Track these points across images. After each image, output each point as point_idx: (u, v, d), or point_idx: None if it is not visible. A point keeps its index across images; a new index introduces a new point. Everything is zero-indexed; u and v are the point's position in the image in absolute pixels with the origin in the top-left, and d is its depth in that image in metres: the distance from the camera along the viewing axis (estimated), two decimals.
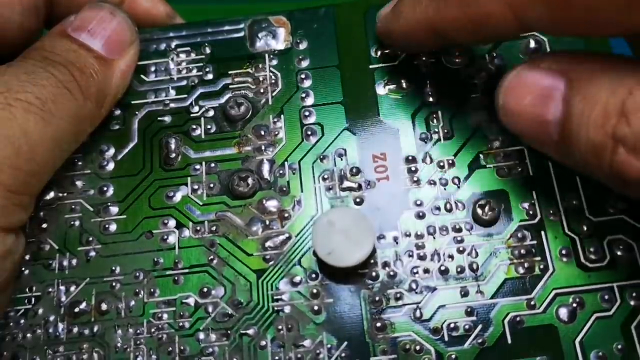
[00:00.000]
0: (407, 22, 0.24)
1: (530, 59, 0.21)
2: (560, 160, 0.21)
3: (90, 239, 0.25)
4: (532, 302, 0.23)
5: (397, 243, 0.24)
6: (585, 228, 0.23)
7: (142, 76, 0.27)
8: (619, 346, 0.22)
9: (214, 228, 0.25)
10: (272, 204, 0.25)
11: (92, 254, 0.25)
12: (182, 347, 0.23)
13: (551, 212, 0.24)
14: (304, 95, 0.27)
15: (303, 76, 0.27)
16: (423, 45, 0.25)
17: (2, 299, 0.24)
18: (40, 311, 0.24)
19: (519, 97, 0.21)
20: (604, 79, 0.19)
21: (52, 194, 0.26)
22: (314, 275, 0.24)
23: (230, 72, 0.27)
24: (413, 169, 0.25)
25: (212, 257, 0.24)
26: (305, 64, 0.27)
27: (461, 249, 0.24)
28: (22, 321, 0.24)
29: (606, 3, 0.18)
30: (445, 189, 0.25)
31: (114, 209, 0.25)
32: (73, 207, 0.25)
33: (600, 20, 0.18)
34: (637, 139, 0.17)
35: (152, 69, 0.28)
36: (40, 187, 0.24)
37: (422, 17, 0.23)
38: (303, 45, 0.27)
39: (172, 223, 0.25)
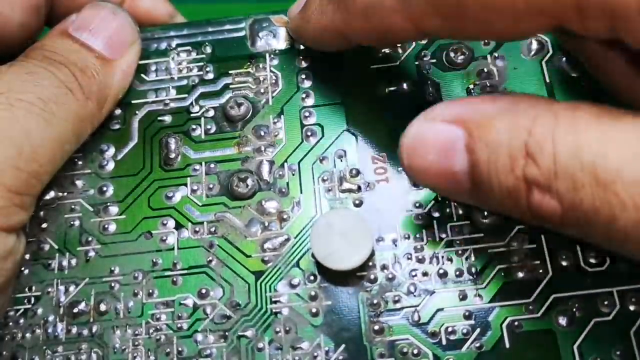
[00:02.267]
0: (316, 29, 0.25)
1: (423, 112, 0.21)
2: (477, 205, 0.21)
3: (90, 239, 0.25)
4: (531, 307, 0.23)
5: (396, 245, 0.24)
6: None
7: (142, 75, 0.27)
8: (618, 352, 0.22)
9: (213, 229, 0.25)
10: (271, 205, 0.25)
11: (92, 254, 0.25)
12: (180, 349, 0.23)
13: None
14: (304, 95, 0.27)
15: (303, 76, 0.27)
16: (334, 47, 0.26)
17: (3, 299, 0.24)
18: (40, 311, 0.24)
19: (422, 155, 0.20)
20: (501, 122, 0.19)
21: (52, 194, 0.26)
22: (312, 278, 0.24)
23: (230, 72, 0.27)
24: None
25: (210, 258, 0.24)
26: (305, 63, 0.27)
27: (460, 252, 0.24)
28: (21, 321, 0.24)
29: (494, 16, 0.18)
30: None
31: (114, 209, 0.25)
32: (73, 206, 0.26)
33: (492, 30, 0.19)
34: (548, 178, 0.17)
35: (153, 68, 0.28)
36: (42, 188, 0.24)
37: (329, 25, 0.24)
38: (301, 46, 0.27)
39: (171, 223, 0.25)
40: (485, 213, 0.24)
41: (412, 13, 0.20)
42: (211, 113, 0.27)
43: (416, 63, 0.27)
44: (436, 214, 0.24)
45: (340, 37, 0.24)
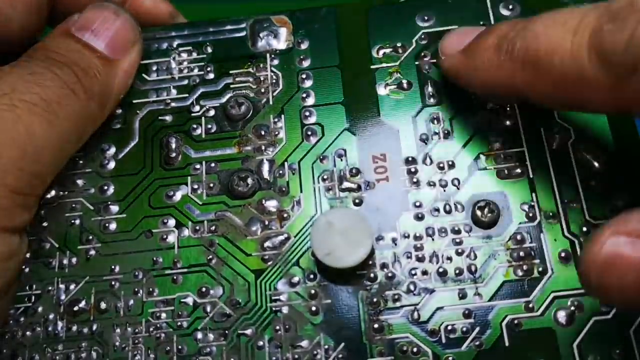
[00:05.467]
0: (486, 82, 0.23)
1: (613, 225, 0.18)
2: None
3: (90, 237, 0.25)
4: (531, 305, 0.23)
5: (395, 244, 0.24)
6: (585, 230, 0.23)
7: (143, 75, 0.27)
8: (617, 350, 0.22)
9: (213, 228, 0.25)
10: (271, 204, 0.25)
11: (92, 252, 0.25)
12: (180, 347, 0.23)
13: (551, 214, 0.24)
14: (304, 95, 0.27)
15: (304, 76, 0.27)
16: (499, 100, 0.24)
17: (6, 299, 0.24)
18: (40, 309, 0.24)
19: (619, 275, 0.18)
20: None
21: (53, 193, 0.26)
22: (312, 276, 0.24)
23: (231, 72, 0.27)
24: (413, 170, 0.25)
25: (211, 256, 0.24)
26: (306, 64, 0.27)
27: (460, 250, 0.24)
28: (21, 319, 0.24)
29: None
30: (444, 191, 0.24)
31: (114, 208, 0.25)
32: (74, 205, 0.26)
33: None
34: None
35: (154, 68, 0.28)
36: (44, 188, 0.24)
37: (506, 82, 0.22)
38: (304, 45, 0.27)
39: (171, 222, 0.25)
40: (486, 211, 0.24)
41: (623, 96, 0.18)
42: (212, 113, 0.27)
43: (416, 63, 0.27)
44: (435, 213, 0.24)
45: (515, 95, 0.22)
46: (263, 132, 0.26)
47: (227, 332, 0.23)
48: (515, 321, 0.22)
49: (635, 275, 0.18)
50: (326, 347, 0.23)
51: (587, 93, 0.19)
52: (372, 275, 0.24)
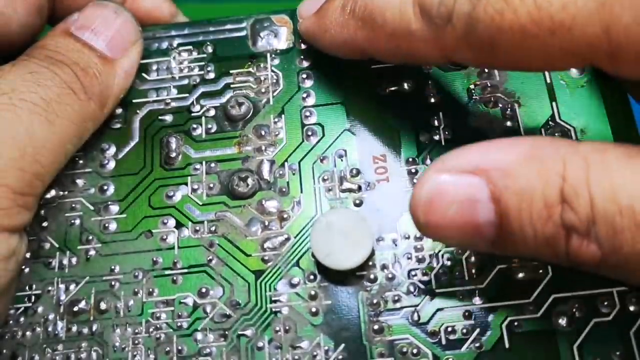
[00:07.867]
0: (334, 41, 0.25)
1: (433, 165, 0.19)
2: (498, 253, 0.20)
3: (90, 237, 0.25)
4: (531, 307, 0.23)
5: (396, 245, 0.24)
6: None
7: (143, 75, 0.27)
8: (618, 352, 0.22)
9: (213, 228, 0.25)
10: (271, 205, 0.25)
11: (92, 252, 0.25)
12: (179, 347, 0.23)
13: None
14: (305, 95, 0.27)
15: (304, 76, 0.27)
16: (348, 57, 0.25)
17: (6, 299, 0.24)
18: (40, 309, 0.24)
19: (441, 211, 0.19)
20: (527, 169, 0.18)
21: (52, 192, 0.26)
22: (312, 277, 0.24)
23: (231, 72, 0.27)
24: (413, 170, 0.25)
25: (211, 257, 0.24)
26: (306, 63, 0.27)
27: (460, 251, 0.24)
28: (21, 319, 0.24)
29: (527, 55, 0.19)
30: None
31: (114, 208, 0.25)
32: (73, 205, 0.26)
33: (522, 66, 0.20)
34: (586, 224, 0.17)
35: (154, 67, 0.28)
36: (44, 188, 0.24)
37: (350, 40, 0.24)
38: (305, 45, 0.27)
39: (171, 223, 0.25)
40: None
41: (443, 45, 0.20)
42: (212, 112, 0.27)
43: None
44: None
45: (359, 52, 0.24)
46: (263, 132, 0.26)
47: (227, 332, 0.23)
48: (516, 323, 0.22)
49: (457, 208, 0.19)
50: (326, 348, 0.23)
51: (416, 45, 0.21)
52: (372, 276, 0.24)
